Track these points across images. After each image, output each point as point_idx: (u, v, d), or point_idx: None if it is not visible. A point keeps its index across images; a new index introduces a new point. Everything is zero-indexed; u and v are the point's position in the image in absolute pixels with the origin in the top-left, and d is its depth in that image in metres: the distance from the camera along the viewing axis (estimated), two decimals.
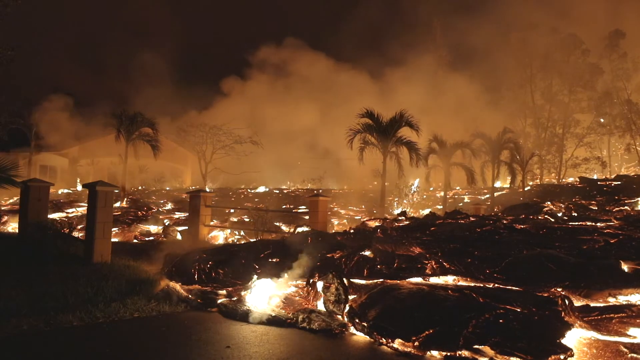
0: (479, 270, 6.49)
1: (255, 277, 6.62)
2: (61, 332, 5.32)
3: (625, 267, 6.28)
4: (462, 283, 6.10)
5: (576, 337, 4.77)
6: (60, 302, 6.15)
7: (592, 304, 5.50)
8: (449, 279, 6.26)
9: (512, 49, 41.47)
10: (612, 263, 6.27)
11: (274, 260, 7.38)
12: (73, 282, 6.89)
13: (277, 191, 29.60)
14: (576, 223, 10.16)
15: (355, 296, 5.69)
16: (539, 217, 11.44)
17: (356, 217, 19.18)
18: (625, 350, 4.48)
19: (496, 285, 5.86)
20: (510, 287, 5.68)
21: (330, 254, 7.44)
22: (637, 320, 5.07)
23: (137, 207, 19.11)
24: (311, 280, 6.25)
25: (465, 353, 4.38)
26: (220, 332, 5.41)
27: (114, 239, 10.57)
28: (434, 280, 6.22)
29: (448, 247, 7.47)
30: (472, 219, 10.93)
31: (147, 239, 13.62)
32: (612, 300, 5.49)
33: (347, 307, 5.52)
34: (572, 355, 4.29)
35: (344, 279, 5.86)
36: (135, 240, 13.46)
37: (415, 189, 24.48)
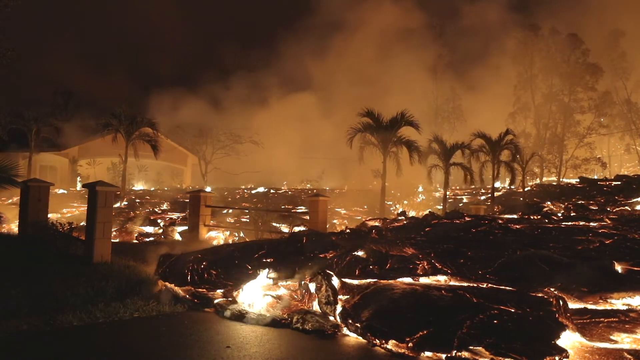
0: (472, 270, 6.53)
1: (249, 277, 6.65)
2: (61, 332, 5.36)
3: (619, 268, 6.31)
4: (454, 283, 6.13)
5: (575, 342, 4.77)
6: (60, 302, 6.19)
7: (584, 307, 5.52)
8: (441, 280, 6.29)
9: (513, 49, 41.60)
10: (605, 264, 6.29)
11: (268, 260, 7.39)
12: (73, 282, 6.92)
13: (274, 191, 29.60)
14: (570, 223, 10.21)
15: (348, 296, 5.70)
16: (533, 217, 11.48)
17: (357, 217, 19.24)
18: (629, 356, 4.48)
19: (489, 285, 5.89)
20: (503, 288, 5.71)
21: (322, 254, 7.46)
22: (626, 326, 5.05)
23: (134, 207, 19.17)
24: (302, 282, 6.28)
25: (460, 354, 4.39)
26: (220, 332, 5.46)
27: (113, 240, 10.62)
28: (426, 280, 6.25)
29: (441, 248, 7.51)
30: (467, 219, 10.96)
31: (147, 239, 13.68)
32: (601, 302, 5.52)
33: (340, 308, 5.54)
34: (567, 357, 4.31)
35: (334, 280, 5.86)
36: (135, 241, 13.52)
37: (418, 190, 24.63)
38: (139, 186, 32.76)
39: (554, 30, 40.39)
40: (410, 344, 4.65)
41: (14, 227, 13.23)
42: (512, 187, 28.64)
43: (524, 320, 4.77)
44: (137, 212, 17.97)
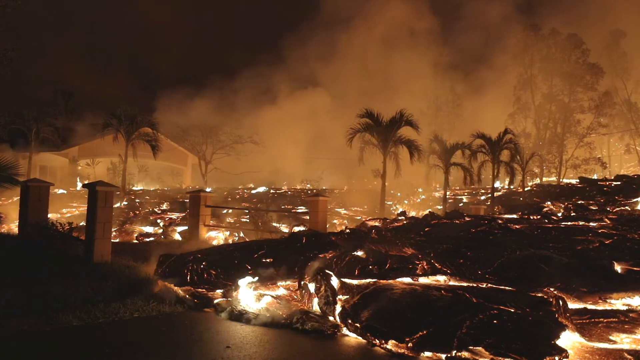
0: (471, 270, 6.53)
1: (248, 278, 6.66)
2: (61, 332, 5.37)
3: (618, 268, 6.31)
4: (453, 283, 6.14)
5: (574, 342, 4.77)
6: (61, 302, 6.20)
7: (584, 307, 5.52)
8: (441, 280, 6.30)
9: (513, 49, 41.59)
10: (604, 264, 6.30)
11: (268, 260, 7.39)
12: (73, 282, 6.92)
13: (274, 191, 29.61)
14: (569, 223, 10.22)
15: (348, 296, 5.71)
16: (533, 217, 11.48)
17: (357, 217, 19.25)
18: (629, 357, 4.49)
19: (489, 285, 5.90)
20: (503, 288, 5.72)
21: (322, 254, 7.47)
22: (625, 326, 5.06)
23: (134, 207, 19.16)
24: (302, 282, 6.29)
25: (459, 354, 4.40)
26: (220, 332, 5.47)
27: (113, 240, 10.62)
28: (425, 280, 6.26)
29: (441, 248, 7.52)
30: (467, 219, 10.96)
31: (147, 239, 13.68)
32: (601, 302, 5.52)
33: (340, 308, 5.55)
34: (567, 357, 4.32)
35: (333, 280, 5.87)
36: (135, 241, 13.52)
37: (418, 190, 24.68)
38: (139, 186, 32.73)
39: (554, 30, 40.32)
40: (409, 344, 4.66)
41: (14, 227, 13.23)
42: (512, 187, 28.65)
43: (524, 320, 4.78)
44: (137, 212, 17.97)
